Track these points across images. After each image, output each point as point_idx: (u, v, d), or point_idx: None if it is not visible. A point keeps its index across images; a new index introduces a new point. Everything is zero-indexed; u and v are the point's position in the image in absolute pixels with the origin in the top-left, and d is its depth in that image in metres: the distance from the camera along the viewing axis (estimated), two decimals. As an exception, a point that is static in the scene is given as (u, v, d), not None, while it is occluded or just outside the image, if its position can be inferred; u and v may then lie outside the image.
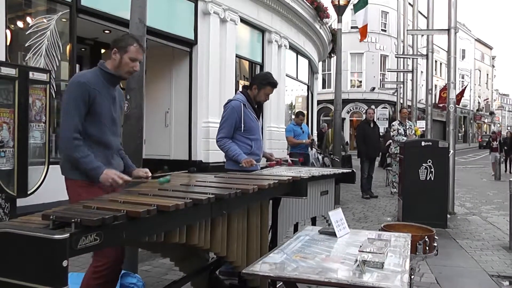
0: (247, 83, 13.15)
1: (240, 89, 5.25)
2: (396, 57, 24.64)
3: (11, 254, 1.90)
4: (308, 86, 20.45)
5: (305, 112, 20.73)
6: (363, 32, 19.61)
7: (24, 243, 1.88)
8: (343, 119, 36.67)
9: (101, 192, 3.15)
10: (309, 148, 11.79)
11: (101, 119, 3.33)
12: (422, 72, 28.65)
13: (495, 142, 21.45)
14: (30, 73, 6.18)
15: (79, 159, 3.19)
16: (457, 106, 24.08)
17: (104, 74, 3.40)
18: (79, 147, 3.19)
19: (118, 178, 3.20)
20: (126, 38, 3.46)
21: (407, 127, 12.22)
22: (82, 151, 3.19)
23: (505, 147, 22.54)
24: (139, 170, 3.67)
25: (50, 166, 6.57)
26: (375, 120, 12.71)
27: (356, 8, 17.93)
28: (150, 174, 3.61)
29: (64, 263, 1.82)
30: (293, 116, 18.82)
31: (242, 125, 4.89)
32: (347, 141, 25.94)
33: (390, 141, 12.77)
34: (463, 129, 61.57)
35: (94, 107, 3.27)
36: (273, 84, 5.04)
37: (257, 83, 5.03)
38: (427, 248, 3.70)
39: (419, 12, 21.11)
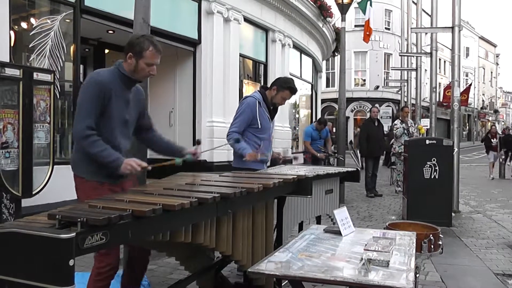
0: (251, 82, 13.20)
1: (259, 88, 5.31)
2: (400, 55, 24.66)
3: (18, 253, 1.91)
4: (312, 85, 20.44)
5: (309, 111, 20.73)
6: (366, 30, 19.60)
7: (31, 243, 1.89)
8: (347, 117, 36.66)
9: (110, 193, 3.13)
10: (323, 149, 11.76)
11: (112, 120, 3.29)
12: (426, 70, 28.63)
13: (494, 139, 19.37)
14: (34, 73, 6.18)
15: (97, 154, 3.15)
16: (463, 105, 23.99)
17: (121, 76, 3.33)
18: (95, 143, 3.15)
19: (137, 165, 3.18)
20: (142, 42, 3.28)
21: (409, 126, 12.26)
22: (99, 145, 3.15)
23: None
24: (190, 149, 3.73)
25: (55, 166, 6.58)
26: (379, 118, 12.68)
27: (361, 5, 17.92)
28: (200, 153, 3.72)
29: (71, 262, 1.82)
30: (297, 115, 18.86)
31: (258, 123, 4.93)
32: (351, 140, 25.96)
33: (393, 140, 12.75)
34: (467, 127, 61.44)
35: (108, 108, 3.24)
36: (293, 90, 5.11)
37: (278, 85, 5.09)
38: (432, 246, 3.70)
39: (423, 10, 21.06)
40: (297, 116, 19.11)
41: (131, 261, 3.61)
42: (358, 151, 17.94)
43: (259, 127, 4.98)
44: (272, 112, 5.20)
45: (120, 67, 3.34)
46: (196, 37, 11.20)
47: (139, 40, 3.31)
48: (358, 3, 17.84)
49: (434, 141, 8.31)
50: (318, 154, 11.19)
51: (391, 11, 40.59)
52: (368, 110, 39.25)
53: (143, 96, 3.69)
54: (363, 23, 29.16)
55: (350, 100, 37.03)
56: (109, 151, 3.16)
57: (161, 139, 3.83)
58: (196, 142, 4.00)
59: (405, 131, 12.18)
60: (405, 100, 22.91)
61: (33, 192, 6.20)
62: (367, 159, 12.04)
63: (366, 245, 2.86)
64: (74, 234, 1.86)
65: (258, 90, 5.22)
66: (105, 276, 3.21)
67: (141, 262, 3.62)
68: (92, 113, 3.16)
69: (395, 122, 12.76)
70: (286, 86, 5.06)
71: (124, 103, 3.36)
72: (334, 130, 20.06)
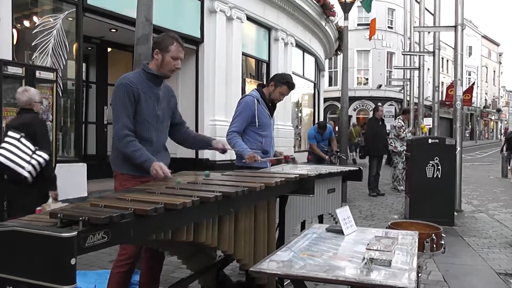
0: (253, 80, 13.20)
1: (256, 87, 5.33)
2: (402, 54, 24.54)
3: (20, 252, 1.91)
4: (314, 83, 20.43)
5: (312, 110, 20.72)
6: (372, 28, 19.59)
7: (32, 241, 1.88)
8: (350, 116, 36.61)
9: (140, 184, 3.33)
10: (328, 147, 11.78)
11: (144, 116, 3.52)
12: (428, 69, 28.61)
13: None
14: (37, 72, 6.21)
15: (131, 153, 3.40)
16: (467, 105, 23.88)
17: (147, 75, 3.58)
18: (130, 143, 3.41)
19: (160, 170, 3.37)
20: (166, 39, 3.57)
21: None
22: (134, 145, 3.41)
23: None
24: (218, 143, 4.04)
25: (57, 164, 6.58)
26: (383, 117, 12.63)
27: (364, 4, 17.93)
28: (227, 148, 4.01)
29: (72, 261, 1.82)
30: (299, 114, 18.85)
31: (256, 120, 4.94)
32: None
33: (393, 138, 12.63)
34: (469, 126, 61.34)
35: (139, 106, 3.49)
36: (290, 85, 5.12)
37: (275, 80, 5.13)
38: (434, 246, 3.68)
39: (426, 9, 21.00)
40: (299, 115, 19.12)
41: (149, 260, 3.72)
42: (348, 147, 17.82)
43: (260, 124, 4.99)
44: (271, 109, 5.20)
45: (145, 67, 3.62)
46: (198, 35, 11.20)
47: (163, 37, 3.60)
48: (360, 1, 17.81)
49: (437, 140, 8.29)
50: (326, 157, 11.26)
51: (394, 10, 40.50)
52: (370, 109, 39.18)
53: (174, 94, 3.93)
54: (366, 22, 29.14)
55: (352, 99, 36.95)
56: (142, 152, 3.43)
57: (191, 134, 4.17)
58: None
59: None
60: (408, 99, 22.82)
61: (36, 190, 6.19)
62: (372, 158, 11.97)
63: (368, 244, 2.85)
64: (76, 232, 1.86)
65: (255, 89, 5.24)
66: (123, 263, 3.47)
67: (158, 259, 3.75)
68: (125, 114, 3.44)
69: (400, 122, 12.69)
70: (284, 81, 5.08)
71: (155, 100, 3.61)
72: (336, 129, 20.07)
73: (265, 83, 13.18)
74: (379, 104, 21.06)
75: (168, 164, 3.69)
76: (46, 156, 4.97)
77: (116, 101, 3.48)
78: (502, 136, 63.17)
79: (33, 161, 4.84)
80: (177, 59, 3.58)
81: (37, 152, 4.90)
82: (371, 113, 39.71)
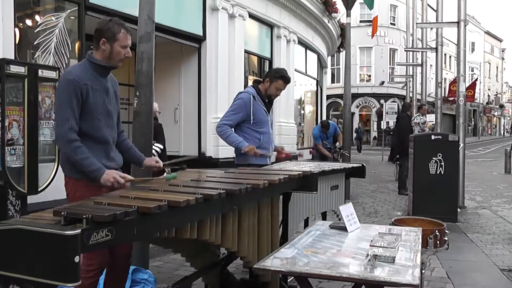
0: (256, 78, 13.20)
1: (251, 83, 5.30)
2: (405, 50, 24.59)
3: (23, 250, 1.91)
4: (317, 80, 20.40)
5: (314, 107, 20.70)
6: (375, 26, 19.58)
7: (36, 239, 1.89)
8: (352, 113, 36.57)
9: (102, 191, 3.10)
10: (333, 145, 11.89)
11: (95, 114, 3.25)
12: (431, 65, 28.53)
13: None
14: (39, 71, 6.18)
15: (79, 161, 3.11)
16: (469, 101, 23.79)
17: (94, 66, 3.31)
18: (78, 149, 3.11)
19: (120, 178, 3.15)
20: (112, 26, 3.28)
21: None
22: (81, 152, 3.11)
23: None
24: (151, 160, 3.67)
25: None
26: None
27: (367, 1, 17.93)
28: (161, 163, 3.61)
29: (76, 259, 1.83)
30: (302, 111, 18.85)
31: (252, 117, 4.93)
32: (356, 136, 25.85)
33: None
34: (472, 122, 61.28)
35: (88, 103, 3.20)
36: (285, 79, 5.08)
37: (270, 76, 5.11)
38: (438, 242, 3.68)
39: (428, 5, 20.99)
40: (302, 112, 19.09)
41: (113, 263, 3.44)
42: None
43: (256, 121, 4.98)
44: (268, 105, 5.19)
45: (91, 58, 3.34)
46: (201, 33, 11.18)
47: (109, 25, 3.29)
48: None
49: (440, 137, 8.28)
50: (332, 156, 11.35)
51: (397, 6, 40.51)
52: (373, 105, 39.19)
53: (117, 86, 3.61)
54: (369, 19, 29.11)
55: (355, 96, 37.00)
56: (91, 160, 3.12)
57: (127, 144, 3.73)
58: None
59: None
60: (411, 95, 22.82)
61: (39, 189, 6.20)
62: (406, 157, 11.70)
63: (372, 241, 2.85)
64: (80, 230, 1.86)
65: (251, 85, 5.24)
66: (95, 273, 3.17)
67: (122, 263, 3.49)
68: (71, 114, 3.13)
69: (422, 118, 12.71)
70: (278, 75, 5.06)
71: (104, 93, 3.33)
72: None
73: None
74: (381, 101, 21.00)
75: (121, 165, 3.51)
76: (161, 146, 7.36)
77: (62, 99, 3.15)
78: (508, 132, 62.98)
79: (153, 151, 5.75)
80: (126, 47, 3.31)
81: (155, 144, 6.91)
82: (373, 110, 39.80)
